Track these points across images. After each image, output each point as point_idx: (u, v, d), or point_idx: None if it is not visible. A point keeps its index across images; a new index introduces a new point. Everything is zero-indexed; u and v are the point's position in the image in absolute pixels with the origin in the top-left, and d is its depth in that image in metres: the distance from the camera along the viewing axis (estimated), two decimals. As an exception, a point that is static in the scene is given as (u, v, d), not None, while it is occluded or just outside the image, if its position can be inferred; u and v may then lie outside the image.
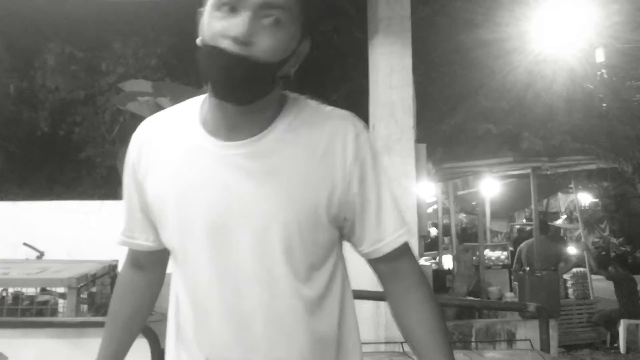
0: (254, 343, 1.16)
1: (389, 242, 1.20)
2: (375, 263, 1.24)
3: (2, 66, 7.17)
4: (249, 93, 1.08)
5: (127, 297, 1.40)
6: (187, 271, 1.20)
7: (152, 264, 1.37)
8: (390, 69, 4.64)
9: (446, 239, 11.10)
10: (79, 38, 7.24)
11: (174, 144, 1.18)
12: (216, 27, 1.04)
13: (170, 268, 1.31)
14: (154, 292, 1.42)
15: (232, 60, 1.02)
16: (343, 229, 1.21)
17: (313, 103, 1.22)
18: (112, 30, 7.08)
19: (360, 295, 4.05)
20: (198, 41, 1.09)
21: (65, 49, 7.16)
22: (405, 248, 1.23)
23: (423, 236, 4.83)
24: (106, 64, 7.09)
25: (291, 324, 1.16)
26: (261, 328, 1.15)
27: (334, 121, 1.17)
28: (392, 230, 1.20)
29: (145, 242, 1.31)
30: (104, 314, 2.03)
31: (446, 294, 7.05)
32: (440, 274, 7.70)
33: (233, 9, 1.03)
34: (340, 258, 1.25)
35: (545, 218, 11.02)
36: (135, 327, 1.43)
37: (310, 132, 1.15)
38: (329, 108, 1.21)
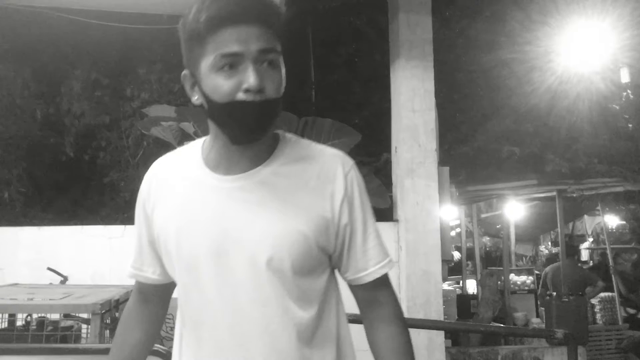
0: None
1: (372, 272, 1.32)
2: (357, 290, 1.35)
3: (29, 92, 7.31)
4: (265, 131, 1.23)
5: (132, 328, 1.49)
6: (190, 295, 1.30)
7: (157, 297, 1.48)
8: (412, 93, 4.64)
9: (470, 263, 10.94)
10: (104, 64, 7.36)
11: (178, 180, 1.32)
12: (227, 85, 1.16)
13: (175, 293, 1.40)
14: (159, 323, 1.52)
15: (256, 108, 1.16)
16: (332, 257, 1.32)
17: (305, 141, 1.35)
18: (137, 57, 7.19)
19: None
20: (197, 101, 1.24)
21: (91, 75, 7.28)
22: (385, 279, 1.35)
23: (446, 260, 4.75)
24: (130, 90, 7.18)
25: (285, 344, 1.25)
26: (259, 347, 1.24)
27: (326, 158, 1.30)
28: (375, 261, 1.32)
29: (152, 275, 1.43)
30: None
31: (471, 319, 6.94)
32: (464, 299, 7.59)
33: (233, 66, 1.16)
34: (334, 283, 1.35)
35: (572, 241, 10.83)
36: (141, 356, 1.50)
37: (303, 167, 1.27)
38: (321, 146, 1.34)
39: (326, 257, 1.30)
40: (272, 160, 1.27)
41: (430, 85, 4.65)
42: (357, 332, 1.42)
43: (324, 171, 1.27)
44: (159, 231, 1.32)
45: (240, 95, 1.16)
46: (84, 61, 7.32)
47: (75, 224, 5.28)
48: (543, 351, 5.25)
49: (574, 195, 7.96)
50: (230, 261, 1.23)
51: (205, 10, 1.16)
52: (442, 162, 4.88)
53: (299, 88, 7.81)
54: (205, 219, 1.25)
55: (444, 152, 6.53)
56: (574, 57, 7.57)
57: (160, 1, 4.89)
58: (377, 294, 1.34)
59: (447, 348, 4.78)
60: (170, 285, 1.43)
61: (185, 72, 1.26)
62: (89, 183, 7.58)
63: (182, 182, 1.31)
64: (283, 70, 1.22)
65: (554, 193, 7.62)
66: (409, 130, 4.61)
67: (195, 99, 1.25)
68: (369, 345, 1.35)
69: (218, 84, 1.17)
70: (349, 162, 1.32)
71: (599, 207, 9.22)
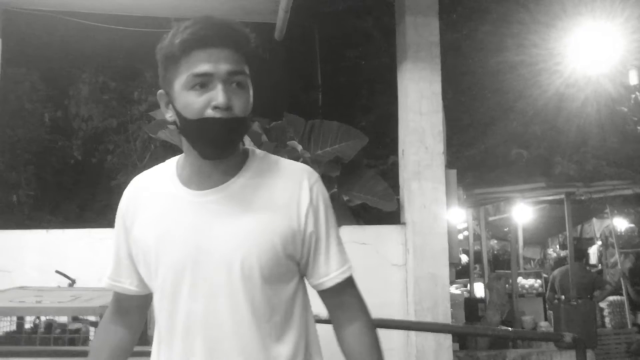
0: None
1: (334, 277, 1.40)
2: (323, 294, 1.44)
3: (37, 96, 7.36)
4: (232, 147, 1.33)
5: (111, 335, 1.55)
6: (166, 304, 1.37)
7: (134, 307, 1.54)
8: (419, 95, 4.62)
9: (477, 266, 10.89)
10: (112, 68, 7.41)
11: (155, 196, 1.42)
12: (197, 103, 1.26)
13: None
14: (136, 334, 1.58)
15: (224, 124, 1.26)
16: (300, 264, 1.40)
17: (273, 156, 1.44)
18: (144, 60, 7.21)
19: (390, 324, 3.97)
20: (170, 118, 1.33)
21: (99, 79, 7.33)
22: (348, 282, 1.43)
23: (454, 263, 4.73)
24: (138, 93, 7.23)
25: (254, 347, 1.33)
26: (229, 351, 1.32)
27: (292, 171, 1.40)
28: (336, 266, 1.41)
29: (129, 286, 1.49)
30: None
31: (478, 323, 6.89)
32: (472, 303, 7.54)
33: (203, 85, 1.26)
34: (302, 288, 1.43)
35: (580, 244, 10.77)
36: None
37: (271, 180, 1.37)
38: (289, 161, 1.44)
39: (294, 265, 1.39)
40: (241, 175, 1.37)
41: (437, 88, 4.63)
42: (329, 334, 1.47)
43: (290, 183, 1.37)
44: (138, 244, 1.40)
45: (209, 112, 1.26)
46: (91, 65, 7.37)
47: (83, 226, 5.29)
48: (552, 355, 5.22)
49: (583, 198, 7.91)
50: (205, 271, 1.32)
51: (180, 34, 1.27)
52: (449, 165, 4.86)
53: (305, 91, 7.83)
54: (180, 233, 1.34)
55: (451, 154, 6.51)
56: (582, 59, 7.53)
57: (168, 5, 4.91)
58: (342, 298, 1.43)
59: (454, 352, 4.75)
60: (147, 297, 1.49)
61: (160, 91, 1.36)
62: (97, 186, 7.61)
63: (158, 197, 1.40)
64: (251, 92, 1.32)
65: (562, 196, 7.57)
66: (416, 132, 4.59)
67: (169, 115, 1.34)
68: (338, 345, 1.43)
69: (189, 102, 1.27)
70: (314, 175, 1.42)
71: (607, 210, 9.16)
